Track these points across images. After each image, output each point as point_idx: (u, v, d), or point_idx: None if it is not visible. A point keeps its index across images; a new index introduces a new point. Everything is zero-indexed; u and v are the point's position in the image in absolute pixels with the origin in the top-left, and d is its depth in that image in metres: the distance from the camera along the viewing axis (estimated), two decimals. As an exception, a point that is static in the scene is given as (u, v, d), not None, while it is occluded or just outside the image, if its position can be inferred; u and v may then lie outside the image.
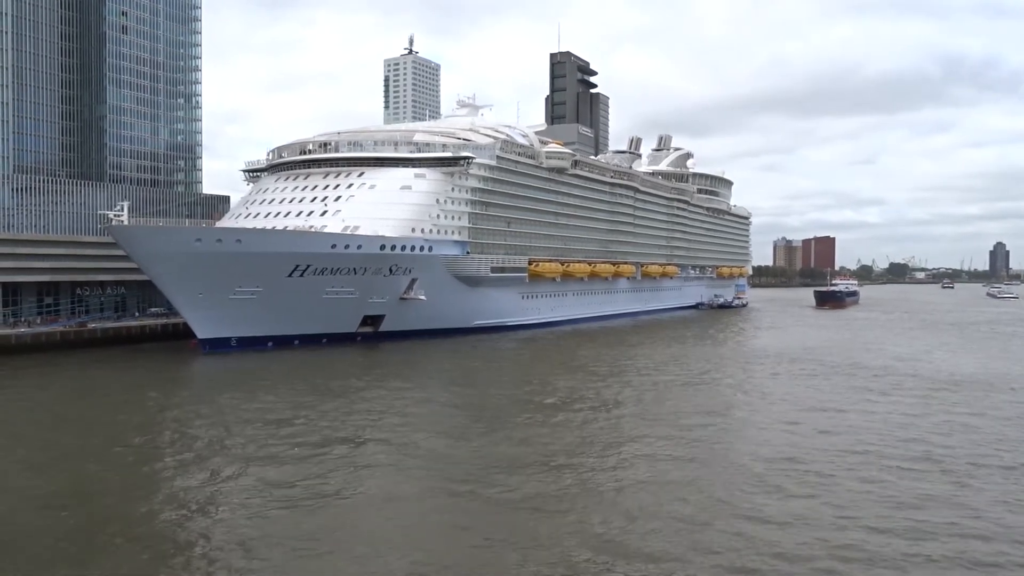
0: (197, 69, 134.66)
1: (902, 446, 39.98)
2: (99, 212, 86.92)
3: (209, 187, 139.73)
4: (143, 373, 68.22)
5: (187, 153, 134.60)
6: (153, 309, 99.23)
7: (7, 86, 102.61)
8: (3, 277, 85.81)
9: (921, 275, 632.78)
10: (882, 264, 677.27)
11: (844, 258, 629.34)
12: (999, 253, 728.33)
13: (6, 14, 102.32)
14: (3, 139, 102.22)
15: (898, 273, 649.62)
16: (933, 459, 37.20)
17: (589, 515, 29.13)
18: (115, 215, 75.38)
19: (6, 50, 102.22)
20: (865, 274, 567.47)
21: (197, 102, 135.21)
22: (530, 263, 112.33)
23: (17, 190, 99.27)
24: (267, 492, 31.97)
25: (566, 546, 26.05)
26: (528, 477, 34.19)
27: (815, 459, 37.12)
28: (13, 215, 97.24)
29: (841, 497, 31.18)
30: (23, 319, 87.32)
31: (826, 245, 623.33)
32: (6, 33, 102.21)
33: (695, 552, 25.49)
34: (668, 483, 33.52)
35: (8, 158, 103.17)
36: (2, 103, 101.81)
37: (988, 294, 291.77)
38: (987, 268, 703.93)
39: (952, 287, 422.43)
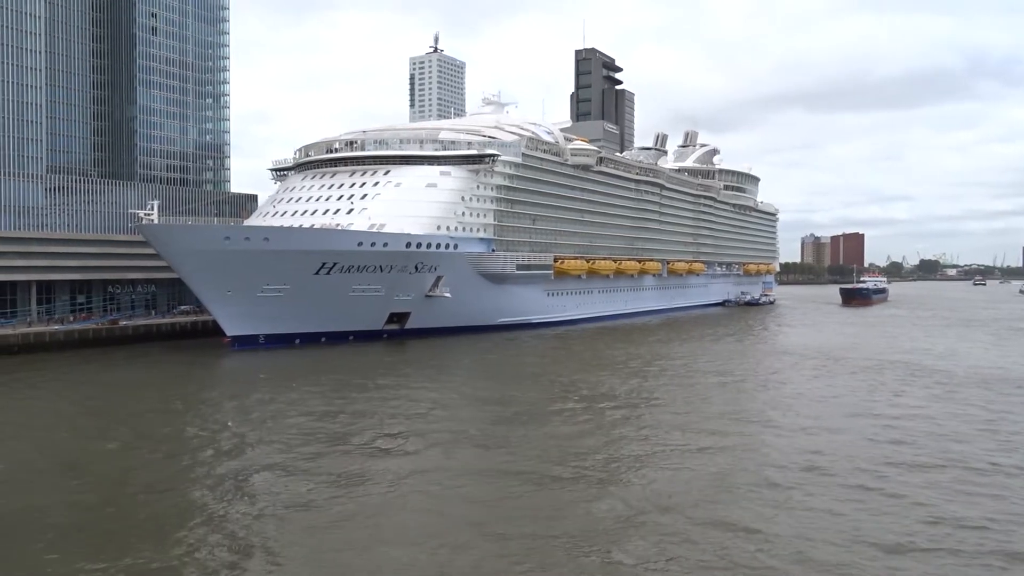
0: (225, 69, 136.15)
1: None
2: (130, 211, 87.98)
3: (237, 186, 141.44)
4: (178, 369, 69.24)
5: (215, 152, 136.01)
6: (182, 307, 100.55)
7: (40, 88, 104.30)
8: (37, 275, 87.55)
9: (952, 272, 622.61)
10: (912, 261, 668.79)
11: (874, 255, 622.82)
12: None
13: (39, 17, 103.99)
14: (36, 140, 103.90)
15: (929, 270, 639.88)
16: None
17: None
18: (145, 214, 76.46)
19: (39, 52, 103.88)
20: (895, 271, 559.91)
21: (225, 102, 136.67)
22: (555, 260, 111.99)
23: (50, 190, 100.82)
24: (314, 483, 32.68)
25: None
26: (582, 483, 34.08)
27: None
28: (46, 214, 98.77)
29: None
30: (57, 316, 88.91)
31: (855, 242, 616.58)
32: (39, 36, 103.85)
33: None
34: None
35: (41, 158, 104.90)
36: (35, 104, 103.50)
37: (1021, 291, 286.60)
38: (1020, 264, 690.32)
39: (984, 283, 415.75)
